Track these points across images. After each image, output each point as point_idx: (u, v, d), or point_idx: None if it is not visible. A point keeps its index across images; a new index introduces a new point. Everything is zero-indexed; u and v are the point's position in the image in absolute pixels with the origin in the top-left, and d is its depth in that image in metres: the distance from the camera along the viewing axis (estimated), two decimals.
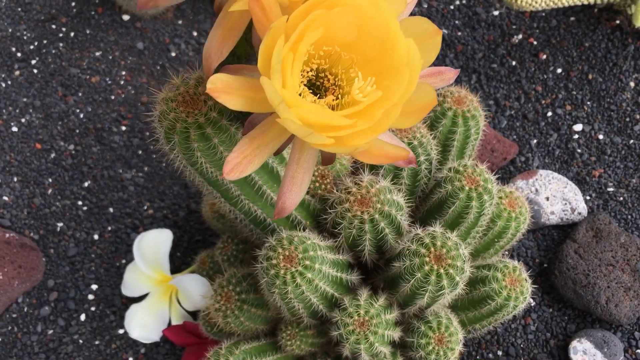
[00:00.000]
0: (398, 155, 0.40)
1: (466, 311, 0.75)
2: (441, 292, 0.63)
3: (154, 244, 0.84)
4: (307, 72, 0.43)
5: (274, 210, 0.68)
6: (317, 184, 0.70)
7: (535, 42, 1.02)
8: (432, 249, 0.63)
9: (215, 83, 0.38)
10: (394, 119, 0.38)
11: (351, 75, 0.42)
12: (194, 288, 0.81)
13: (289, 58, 0.38)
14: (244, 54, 0.53)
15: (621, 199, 0.90)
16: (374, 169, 0.72)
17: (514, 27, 1.04)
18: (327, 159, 0.45)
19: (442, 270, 0.62)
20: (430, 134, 0.73)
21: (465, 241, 0.72)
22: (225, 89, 0.38)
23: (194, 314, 0.84)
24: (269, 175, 0.62)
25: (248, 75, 0.40)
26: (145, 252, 0.84)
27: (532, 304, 0.85)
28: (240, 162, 0.40)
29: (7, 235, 0.89)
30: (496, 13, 1.05)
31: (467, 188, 0.68)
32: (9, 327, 0.87)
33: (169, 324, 0.85)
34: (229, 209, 0.65)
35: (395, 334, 0.67)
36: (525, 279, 0.72)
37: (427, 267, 0.62)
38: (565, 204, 0.88)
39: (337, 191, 0.68)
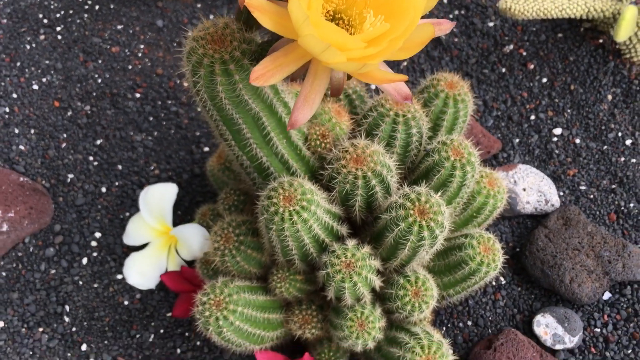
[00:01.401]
0: (396, 79, 0.47)
1: (442, 275, 0.81)
2: (421, 242, 0.70)
3: (159, 196, 0.91)
4: (326, 12, 0.50)
5: (277, 159, 0.75)
6: (318, 142, 0.77)
7: (524, 53, 1.11)
8: (417, 204, 0.70)
9: (255, 4, 0.46)
10: (397, 47, 0.46)
11: (364, 16, 0.49)
12: (193, 237, 0.87)
13: None
14: None
15: (592, 196, 0.97)
16: (369, 136, 0.79)
17: (506, 38, 1.13)
18: (336, 89, 0.52)
19: (424, 223, 0.69)
20: (423, 111, 0.81)
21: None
22: (259, 8, 0.46)
23: (190, 265, 0.90)
24: (276, 123, 0.69)
25: (279, 4, 0.48)
26: (151, 202, 0.91)
27: (503, 282, 0.91)
28: (264, 73, 0.48)
29: (21, 179, 0.95)
30: (491, 24, 1.14)
31: (452, 158, 0.76)
32: (14, 264, 0.92)
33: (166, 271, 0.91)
34: (237, 155, 0.72)
35: (377, 281, 0.73)
36: (498, 250, 0.79)
37: (410, 219, 0.69)
38: (540, 195, 0.95)
39: (337, 150, 0.75)
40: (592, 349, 0.86)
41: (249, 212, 0.82)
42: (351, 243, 0.72)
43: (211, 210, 0.88)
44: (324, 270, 0.71)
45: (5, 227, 0.89)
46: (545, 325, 0.86)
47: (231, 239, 0.76)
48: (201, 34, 0.61)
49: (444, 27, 0.52)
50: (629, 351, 0.85)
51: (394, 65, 1.10)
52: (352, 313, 0.74)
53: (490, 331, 0.88)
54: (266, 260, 0.79)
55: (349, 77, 0.53)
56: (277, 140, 0.70)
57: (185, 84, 1.08)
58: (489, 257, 0.78)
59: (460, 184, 0.76)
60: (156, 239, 0.92)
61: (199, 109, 1.04)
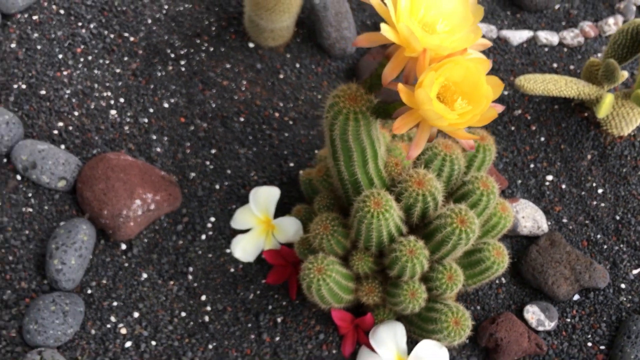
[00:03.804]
0: (470, 137, 0.83)
1: (465, 269, 1.16)
2: (460, 242, 1.05)
3: (266, 194, 1.25)
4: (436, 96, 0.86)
5: (366, 177, 1.10)
6: (392, 168, 1.12)
7: (529, 117, 1.48)
8: (459, 215, 1.05)
9: (402, 89, 0.81)
10: (475, 120, 0.82)
11: (455, 99, 0.85)
12: (290, 226, 1.21)
13: (434, 81, 0.81)
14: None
15: (571, 227, 1.34)
16: (426, 167, 1.15)
17: (516, 104, 1.50)
18: (431, 138, 0.88)
19: (463, 228, 1.04)
20: (462, 154, 1.17)
21: None
22: (402, 91, 0.82)
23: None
24: (372, 153, 1.04)
25: (410, 88, 0.83)
26: (259, 199, 1.25)
27: (504, 281, 1.27)
28: (399, 127, 0.83)
29: (162, 173, 1.29)
30: (506, 93, 1.51)
31: (481, 188, 1.12)
32: (153, 234, 1.26)
33: (262, 251, 1.25)
34: (341, 171, 1.07)
35: (426, 265, 1.08)
36: (506, 255, 1.14)
37: (454, 225, 1.04)
38: (534, 222, 1.32)
39: (404, 174, 1.10)
40: (564, 333, 1.22)
41: (337, 211, 1.17)
42: (412, 237, 1.07)
43: (304, 208, 1.22)
44: (393, 254, 1.06)
45: (153, 206, 1.23)
46: (532, 313, 1.21)
47: (328, 228, 1.11)
48: (340, 93, 0.96)
49: (498, 109, 0.88)
50: (589, 336, 1.21)
51: None
52: (407, 285, 1.09)
53: (492, 314, 1.24)
54: (348, 246, 1.13)
55: (439, 131, 0.89)
56: (371, 164, 1.06)
57: (277, 115, 1.43)
58: (500, 259, 1.13)
59: (485, 206, 1.12)
60: (258, 226, 1.26)
61: (293, 132, 1.38)
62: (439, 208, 1.10)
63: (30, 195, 1.23)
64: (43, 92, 1.36)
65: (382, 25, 0.82)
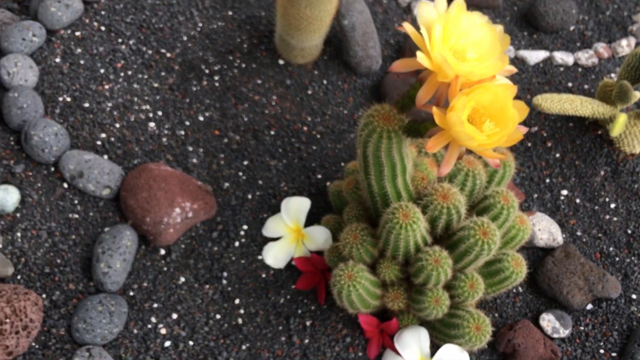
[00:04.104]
0: (497, 156, 0.90)
1: (485, 279, 1.24)
2: (482, 253, 1.12)
3: (297, 204, 1.32)
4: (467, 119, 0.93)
5: (395, 190, 1.17)
6: (419, 182, 1.19)
7: (545, 134, 1.56)
8: (482, 227, 1.12)
9: (435, 112, 0.89)
10: (502, 141, 0.89)
11: (483, 121, 0.92)
12: (320, 235, 1.29)
13: (465, 105, 0.89)
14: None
15: (584, 240, 1.41)
16: (450, 181, 1.22)
17: (532, 121, 1.57)
18: (460, 156, 0.95)
19: (485, 240, 1.11)
20: (484, 170, 1.24)
21: None
22: (436, 113, 0.89)
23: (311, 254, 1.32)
24: (402, 168, 1.11)
25: (443, 110, 0.91)
26: (290, 208, 1.33)
27: (520, 291, 1.34)
28: (432, 146, 0.90)
29: (198, 182, 1.37)
30: None
31: (502, 203, 1.19)
32: (189, 241, 1.34)
33: (291, 258, 1.33)
34: (371, 184, 1.14)
35: (450, 274, 1.15)
36: (524, 265, 1.21)
37: (477, 237, 1.11)
38: (550, 235, 1.39)
39: (430, 188, 1.18)
40: (577, 340, 1.29)
41: (365, 222, 1.24)
42: (437, 247, 1.15)
43: (333, 218, 1.30)
44: (419, 262, 1.13)
45: (190, 214, 1.31)
46: (548, 321, 1.28)
47: (357, 237, 1.18)
48: (374, 113, 1.04)
49: (523, 130, 0.95)
50: (601, 344, 1.28)
51: None
52: (431, 293, 1.16)
53: (510, 321, 1.31)
54: (375, 254, 1.21)
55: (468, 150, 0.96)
56: (400, 179, 1.13)
57: (305, 128, 1.51)
58: (518, 269, 1.20)
59: (505, 219, 1.19)
60: (289, 234, 1.34)
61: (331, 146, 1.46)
62: (461, 220, 1.17)
63: (76, 202, 1.31)
64: (86, 104, 1.44)
65: (418, 53, 0.90)
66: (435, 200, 1.13)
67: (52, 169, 1.34)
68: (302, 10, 1.37)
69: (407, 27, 0.93)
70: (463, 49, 0.94)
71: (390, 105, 1.05)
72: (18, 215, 1.28)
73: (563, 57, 1.67)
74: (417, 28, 0.92)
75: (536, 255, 1.38)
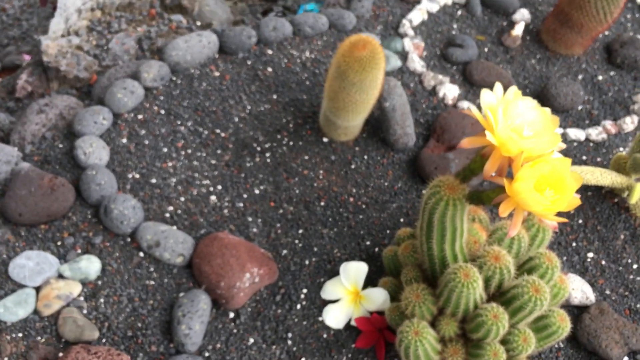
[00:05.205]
0: (557, 220, 1.04)
1: (534, 334, 1.35)
2: (535, 308, 1.24)
3: (356, 269, 1.44)
4: None
5: (452, 253, 1.29)
6: (472, 245, 1.32)
7: None
8: (534, 285, 1.25)
9: (505, 183, 1.03)
10: (563, 207, 1.03)
11: (544, 189, 1.07)
12: (379, 296, 1.40)
13: (531, 176, 1.03)
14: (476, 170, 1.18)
15: (614, 298, 1.54)
16: (498, 244, 1.35)
17: None
18: (524, 220, 1.09)
19: (537, 296, 1.24)
20: (526, 234, 1.38)
21: None
22: (505, 183, 1.03)
23: (370, 314, 1.42)
24: (460, 233, 1.25)
25: (510, 180, 1.05)
26: (349, 272, 1.44)
27: (562, 346, 1.46)
28: (504, 210, 1.04)
29: (262, 250, 1.48)
30: None
31: (547, 263, 1.32)
32: (255, 304, 1.44)
33: (349, 319, 1.43)
34: (431, 247, 1.27)
35: (507, 328, 1.27)
36: (568, 320, 1.34)
37: (530, 293, 1.24)
38: (583, 294, 1.51)
39: (482, 250, 1.31)
40: None
41: (424, 282, 1.36)
42: (494, 304, 1.26)
43: (390, 281, 1.42)
44: (478, 318, 1.25)
45: (257, 279, 1.41)
46: None
47: (419, 296, 1.30)
48: (440, 184, 1.18)
49: (577, 197, 1.10)
50: None
51: None
52: (489, 347, 1.27)
53: None
54: (435, 312, 1.32)
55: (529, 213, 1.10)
56: (458, 242, 1.26)
57: (351, 199, 1.64)
58: (564, 324, 1.32)
59: (550, 278, 1.32)
60: (347, 296, 1.45)
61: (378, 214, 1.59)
62: (511, 279, 1.30)
63: (152, 269, 1.42)
64: (153, 180, 1.57)
65: (487, 132, 1.05)
66: (489, 261, 1.26)
67: (129, 239, 1.45)
68: (352, 95, 1.53)
69: (474, 110, 1.08)
70: (520, 128, 1.10)
71: (453, 176, 1.19)
72: (99, 282, 1.37)
73: (576, 134, 1.85)
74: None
75: (571, 313, 1.50)
